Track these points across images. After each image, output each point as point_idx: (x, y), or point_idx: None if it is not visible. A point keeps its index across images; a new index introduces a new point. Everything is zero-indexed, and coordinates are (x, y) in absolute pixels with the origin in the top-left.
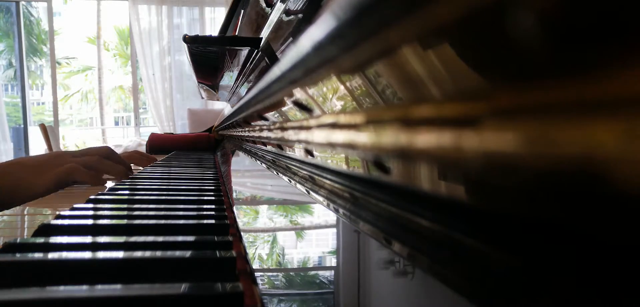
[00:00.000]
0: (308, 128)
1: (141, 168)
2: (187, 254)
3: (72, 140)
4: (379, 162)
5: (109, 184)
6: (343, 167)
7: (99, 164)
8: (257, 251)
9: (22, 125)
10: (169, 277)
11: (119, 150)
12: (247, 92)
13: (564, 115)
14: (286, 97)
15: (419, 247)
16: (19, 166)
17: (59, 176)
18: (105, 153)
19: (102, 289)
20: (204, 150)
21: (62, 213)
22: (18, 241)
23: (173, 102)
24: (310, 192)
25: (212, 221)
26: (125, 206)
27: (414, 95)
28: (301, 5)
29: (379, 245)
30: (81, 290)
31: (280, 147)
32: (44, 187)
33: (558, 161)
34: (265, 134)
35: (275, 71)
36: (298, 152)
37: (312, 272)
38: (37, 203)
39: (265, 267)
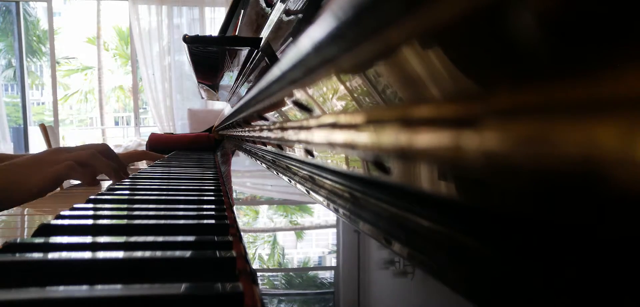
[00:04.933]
0: (308, 128)
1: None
2: (187, 254)
3: (72, 140)
4: (378, 162)
5: (106, 183)
6: (343, 167)
7: (93, 159)
8: (257, 251)
9: (22, 125)
10: (169, 277)
11: (118, 150)
12: (247, 92)
13: (563, 116)
14: (286, 97)
15: (419, 247)
16: (13, 166)
17: (56, 173)
18: (102, 149)
19: (102, 289)
20: (204, 150)
21: (62, 213)
22: (18, 241)
23: (173, 102)
24: (310, 192)
25: (212, 221)
26: (125, 205)
27: (414, 95)
28: (301, 5)
29: (379, 245)
30: (81, 290)
31: (280, 147)
32: (38, 187)
33: (557, 161)
34: (265, 134)
35: (275, 71)
36: (298, 152)
37: (312, 272)
38: (36, 203)
39: (265, 267)
